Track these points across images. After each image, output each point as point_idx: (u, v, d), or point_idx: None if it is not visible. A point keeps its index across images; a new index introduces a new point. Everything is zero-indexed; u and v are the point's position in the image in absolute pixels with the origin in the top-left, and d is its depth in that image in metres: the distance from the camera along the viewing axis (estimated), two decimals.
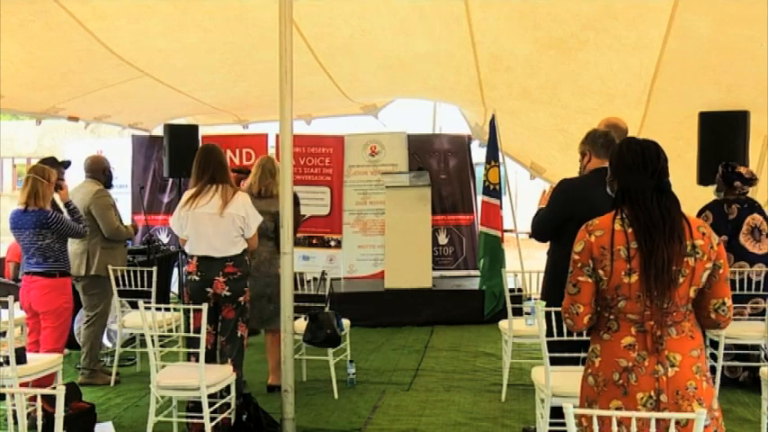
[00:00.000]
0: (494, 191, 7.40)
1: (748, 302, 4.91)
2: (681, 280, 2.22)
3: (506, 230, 7.68)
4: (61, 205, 5.00)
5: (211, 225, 4.13)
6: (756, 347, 4.92)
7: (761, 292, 4.84)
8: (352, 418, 4.54)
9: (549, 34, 5.27)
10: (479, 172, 8.18)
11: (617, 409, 2.23)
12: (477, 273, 7.73)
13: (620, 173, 2.35)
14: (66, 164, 5.96)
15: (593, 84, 5.96)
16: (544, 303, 3.68)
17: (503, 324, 5.06)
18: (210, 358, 4.14)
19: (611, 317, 2.30)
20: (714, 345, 4.83)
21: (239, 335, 4.25)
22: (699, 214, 5.07)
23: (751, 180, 5.04)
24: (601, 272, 2.27)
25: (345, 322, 5.11)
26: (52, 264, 4.66)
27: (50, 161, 5.69)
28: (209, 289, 4.15)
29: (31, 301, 4.63)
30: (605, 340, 2.31)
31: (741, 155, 5.76)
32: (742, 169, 5.06)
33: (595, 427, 2.05)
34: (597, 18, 4.96)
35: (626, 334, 2.27)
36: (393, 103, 8.81)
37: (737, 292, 4.77)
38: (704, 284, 2.28)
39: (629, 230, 2.24)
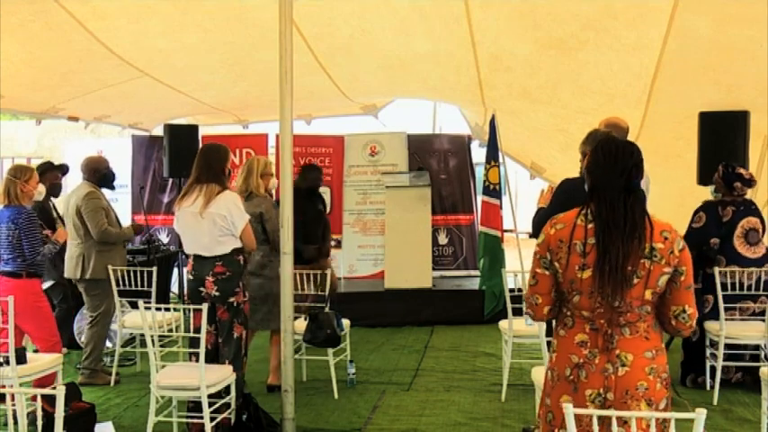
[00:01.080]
0: (494, 191, 7.40)
1: (738, 303, 4.89)
2: (635, 281, 2.22)
3: (506, 230, 7.68)
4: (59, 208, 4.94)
5: (195, 224, 4.11)
6: (756, 347, 4.92)
7: (753, 293, 4.82)
8: (352, 418, 4.54)
9: (549, 34, 5.27)
10: (479, 172, 8.18)
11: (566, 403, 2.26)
12: (477, 273, 7.73)
13: (592, 169, 2.37)
14: (63, 168, 5.95)
15: (594, 84, 5.96)
16: None
17: (503, 324, 5.06)
18: (211, 358, 4.13)
19: (568, 313, 2.35)
20: (714, 345, 4.83)
21: (235, 336, 4.21)
22: (693, 215, 5.05)
23: (750, 181, 5.01)
24: (557, 264, 2.30)
25: (345, 322, 5.11)
26: (20, 263, 4.52)
27: (46, 166, 5.70)
28: (201, 288, 4.14)
29: None
30: (561, 336, 2.36)
31: (741, 155, 5.76)
32: (742, 170, 5.04)
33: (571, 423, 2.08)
34: (597, 18, 4.96)
35: (579, 331, 2.31)
36: (393, 103, 8.80)
37: (728, 292, 4.77)
38: (663, 289, 2.27)
39: (590, 226, 2.26)
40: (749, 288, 4.80)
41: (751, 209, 5.00)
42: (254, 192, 4.96)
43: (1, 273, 4.57)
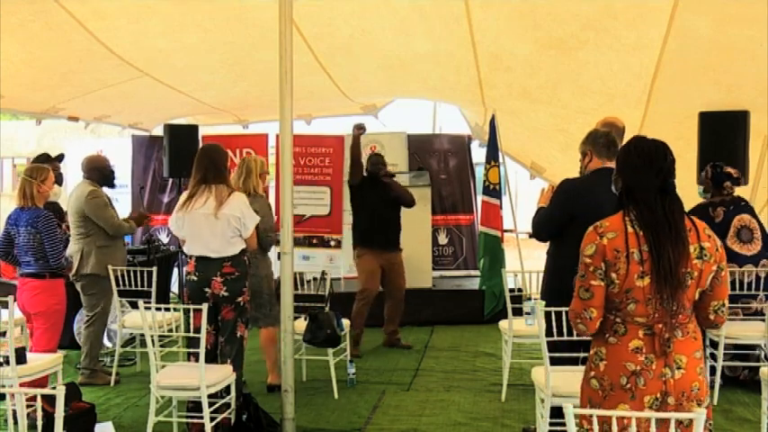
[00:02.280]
0: (494, 191, 7.40)
1: (738, 303, 4.89)
2: (689, 282, 2.22)
3: (506, 230, 7.67)
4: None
5: (207, 226, 4.11)
6: (756, 347, 4.92)
7: (752, 292, 4.82)
8: (352, 418, 4.54)
9: (549, 34, 5.27)
10: (479, 172, 8.18)
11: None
12: (477, 273, 7.73)
13: (626, 171, 2.33)
14: (60, 157, 5.98)
15: (594, 84, 5.96)
16: (544, 303, 3.68)
17: (503, 324, 5.06)
18: (211, 358, 4.13)
19: (618, 320, 2.28)
20: (714, 345, 4.83)
21: (238, 335, 4.24)
22: None
23: (739, 180, 5.02)
24: (614, 275, 2.24)
25: (345, 322, 5.11)
26: (43, 264, 4.58)
27: (43, 158, 5.70)
28: (207, 289, 4.14)
29: (23, 303, 4.58)
30: (611, 344, 2.28)
31: (741, 155, 5.77)
32: (730, 169, 5.03)
33: (595, 427, 2.04)
34: (597, 18, 4.96)
35: (633, 337, 2.25)
36: (393, 103, 8.80)
37: (729, 292, 4.76)
38: (707, 286, 2.28)
39: (641, 233, 2.22)
40: (749, 286, 4.80)
41: (741, 206, 4.98)
42: (252, 191, 4.97)
43: (25, 275, 4.61)
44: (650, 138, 2.39)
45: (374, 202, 6.17)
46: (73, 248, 5.33)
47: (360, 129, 6.18)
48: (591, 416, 2.08)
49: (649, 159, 2.29)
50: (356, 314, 6.15)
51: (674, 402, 2.20)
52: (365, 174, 6.28)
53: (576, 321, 2.34)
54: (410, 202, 6.30)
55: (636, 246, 2.22)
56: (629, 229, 2.24)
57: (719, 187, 4.99)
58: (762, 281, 4.80)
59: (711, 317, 2.32)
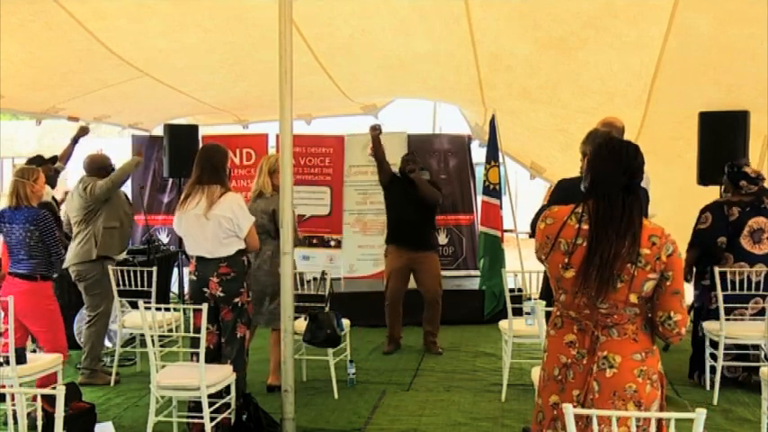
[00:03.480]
0: (494, 191, 7.40)
1: (749, 302, 4.90)
2: (619, 284, 2.21)
3: (506, 230, 7.67)
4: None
5: (199, 227, 4.10)
6: (756, 347, 4.92)
7: (761, 292, 4.83)
8: (352, 418, 4.54)
9: (550, 34, 5.27)
10: (479, 172, 8.17)
11: (554, 404, 2.31)
12: (477, 273, 7.72)
13: (595, 166, 2.36)
14: (53, 159, 6.01)
15: (594, 83, 5.96)
16: (544, 303, 3.68)
17: (503, 324, 5.05)
18: (212, 358, 4.14)
19: (558, 313, 2.37)
20: (714, 345, 4.83)
21: (239, 336, 4.23)
22: (699, 215, 5.05)
23: (756, 179, 4.98)
24: (543, 257, 2.36)
25: (345, 322, 5.11)
26: (35, 265, 4.53)
27: (37, 160, 5.71)
28: (205, 289, 4.14)
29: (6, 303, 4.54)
30: (551, 336, 2.39)
31: (741, 155, 5.75)
32: (747, 169, 5.03)
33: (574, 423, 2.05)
34: (598, 16, 4.95)
35: (568, 331, 2.33)
36: (393, 103, 8.80)
37: (737, 292, 4.78)
38: (649, 294, 2.25)
39: (583, 227, 2.25)
40: (757, 285, 4.81)
41: (760, 208, 4.95)
42: (263, 190, 4.97)
43: (15, 274, 4.56)
44: (624, 139, 2.44)
45: (400, 200, 6.18)
46: (83, 236, 5.33)
47: (376, 129, 6.20)
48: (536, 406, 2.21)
49: (618, 156, 2.31)
50: (386, 315, 6.26)
51: (601, 399, 2.22)
52: (398, 173, 6.27)
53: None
54: (435, 203, 6.23)
55: (568, 236, 2.27)
56: (569, 221, 2.29)
57: (736, 186, 4.99)
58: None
59: (660, 328, 2.27)
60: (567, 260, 2.25)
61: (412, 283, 6.94)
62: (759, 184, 4.99)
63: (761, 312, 4.83)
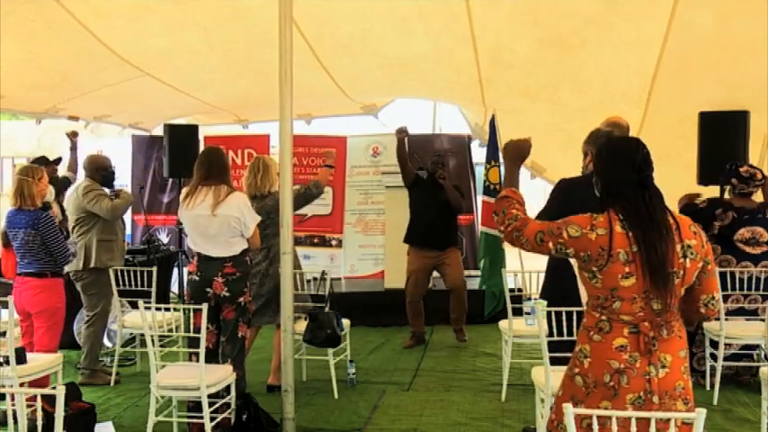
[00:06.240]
0: (494, 191, 7.38)
1: (758, 303, 4.89)
2: (675, 281, 2.21)
3: None
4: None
5: (205, 226, 4.11)
6: (756, 347, 4.91)
7: (761, 292, 4.82)
8: (352, 418, 4.54)
9: (550, 32, 5.27)
10: (479, 172, 8.17)
11: (604, 408, 2.21)
12: (478, 273, 7.72)
13: (603, 169, 2.34)
14: (58, 161, 6.01)
15: (594, 82, 5.96)
16: (544, 303, 3.68)
17: (503, 324, 5.05)
18: (212, 358, 4.14)
19: (603, 318, 2.27)
20: (714, 345, 4.82)
21: (240, 335, 4.24)
22: (702, 203, 5.06)
23: (748, 180, 4.95)
24: (595, 269, 2.24)
25: (345, 322, 5.11)
26: (44, 264, 4.55)
27: (41, 161, 5.71)
28: (208, 289, 4.14)
29: (23, 303, 4.55)
30: (596, 341, 2.28)
31: (741, 155, 5.76)
32: (742, 168, 5.02)
33: (571, 424, 2.05)
34: (598, 13, 4.95)
35: (618, 335, 2.24)
36: (393, 102, 8.80)
37: (744, 291, 4.77)
38: (695, 281, 2.27)
39: (630, 233, 2.20)
40: (748, 284, 4.80)
41: (757, 218, 4.92)
42: (260, 191, 4.98)
43: (26, 274, 4.57)
44: (621, 136, 2.41)
45: (425, 202, 6.29)
46: (76, 245, 5.33)
47: (402, 132, 6.27)
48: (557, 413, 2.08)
49: (620, 152, 2.30)
50: (408, 313, 6.40)
51: (658, 401, 2.19)
52: (423, 175, 6.38)
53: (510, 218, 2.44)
54: (458, 211, 6.40)
55: (622, 246, 2.20)
56: (618, 229, 2.21)
57: (731, 185, 4.99)
58: (762, 281, 4.81)
59: (702, 310, 2.31)
60: (627, 270, 2.19)
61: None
62: (751, 185, 4.96)
63: (756, 312, 4.83)
